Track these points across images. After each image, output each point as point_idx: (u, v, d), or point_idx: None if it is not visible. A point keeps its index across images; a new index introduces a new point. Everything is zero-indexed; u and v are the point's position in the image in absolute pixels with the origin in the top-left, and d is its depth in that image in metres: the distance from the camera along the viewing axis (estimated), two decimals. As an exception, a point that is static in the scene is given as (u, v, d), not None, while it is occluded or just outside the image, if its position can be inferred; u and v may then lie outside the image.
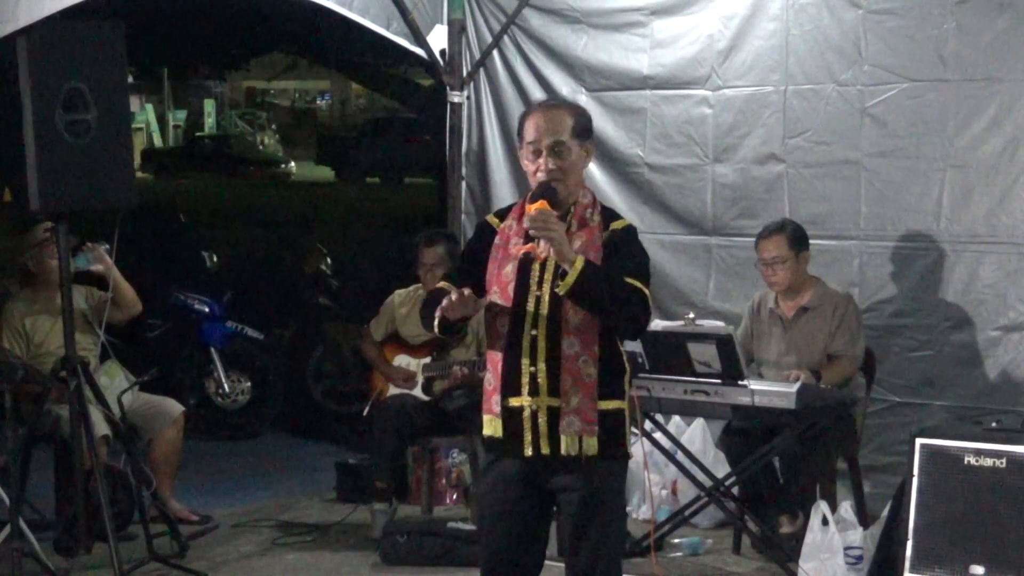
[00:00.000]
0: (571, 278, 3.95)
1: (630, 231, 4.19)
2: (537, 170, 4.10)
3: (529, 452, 4.09)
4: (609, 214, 4.22)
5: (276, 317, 9.90)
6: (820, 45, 6.72)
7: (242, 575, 6.25)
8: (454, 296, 3.97)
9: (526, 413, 4.08)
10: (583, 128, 4.17)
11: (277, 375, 9.33)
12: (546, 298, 4.06)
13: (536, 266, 4.07)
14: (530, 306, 4.07)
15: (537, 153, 4.10)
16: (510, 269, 4.10)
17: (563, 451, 4.06)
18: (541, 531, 4.23)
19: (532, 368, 4.06)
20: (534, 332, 4.06)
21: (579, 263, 3.95)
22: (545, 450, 4.07)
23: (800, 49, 6.78)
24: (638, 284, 4.05)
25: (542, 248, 3.96)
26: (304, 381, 9.61)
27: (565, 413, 4.05)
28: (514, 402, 4.09)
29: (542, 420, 4.06)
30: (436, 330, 4.13)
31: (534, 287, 4.08)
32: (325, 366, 9.68)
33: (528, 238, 4.01)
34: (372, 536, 6.59)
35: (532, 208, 3.98)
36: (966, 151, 6.36)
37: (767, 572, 6.13)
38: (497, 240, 4.17)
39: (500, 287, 4.11)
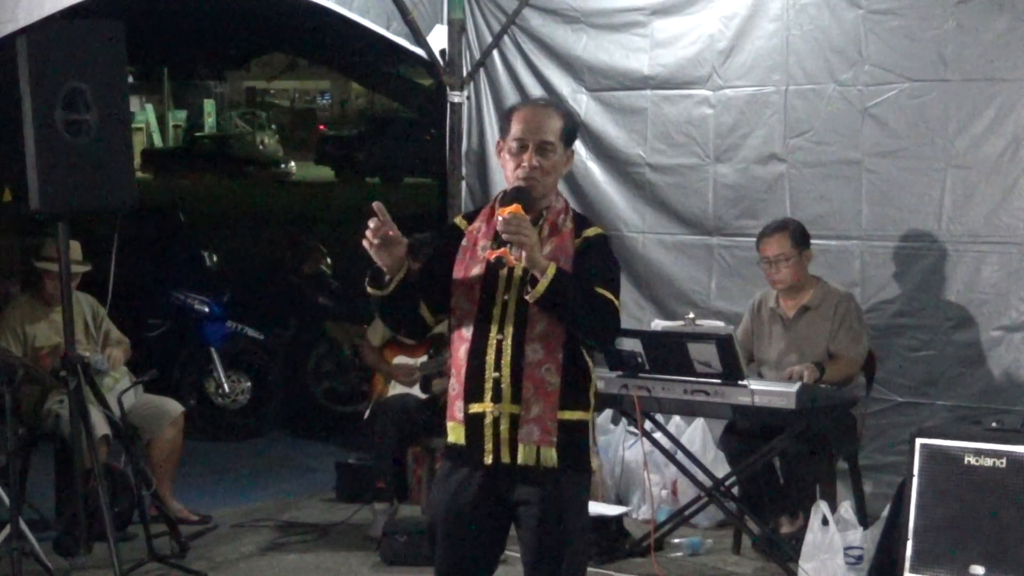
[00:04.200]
0: (542, 286, 3.82)
1: (603, 239, 4.07)
2: (518, 166, 3.97)
3: (489, 460, 3.94)
4: (581, 221, 4.09)
5: (276, 317, 9.89)
6: (821, 45, 6.72)
7: (242, 575, 6.25)
8: (371, 223, 3.82)
9: (487, 420, 3.93)
10: (570, 133, 4.07)
11: (277, 375, 9.33)
12: (513, 303, 3.93)
13: (504, 270, 3.93)
14: (496, 311, 3.94)
15: (523, 148, 3.97)
16: (477, 272, 3.97)
17: (520, 460, 3.92)
18: (496, 541, 4.08)
19: (496, 374, 3.92)
20: (499, 337, 3.93)
21: (551, 271, 3.83)
22: (506, 459, 3.93)
23: (801, 49, 6.77)
24: (608, 295, 3.93)
25: (514, 254, 3.83)
26: (304, 381, 9.60)
27: (524, 421, 3.91)
28: (476, 408, 3.94)
29: (504, 427, 3.92)
30: (367, 285, 3.95)
31: (501, 291, 3.95)
32: (325, 366, 9.68)
33: (499, 241, 3.88)
34: (372, 536, 6.59)
35: (505, 211, 3.84)
36: (967, 151, 6.36)
37: (767, 572, 6.13)
38: (464, 242, 4.04)
39: (466, 290, 3.98)
